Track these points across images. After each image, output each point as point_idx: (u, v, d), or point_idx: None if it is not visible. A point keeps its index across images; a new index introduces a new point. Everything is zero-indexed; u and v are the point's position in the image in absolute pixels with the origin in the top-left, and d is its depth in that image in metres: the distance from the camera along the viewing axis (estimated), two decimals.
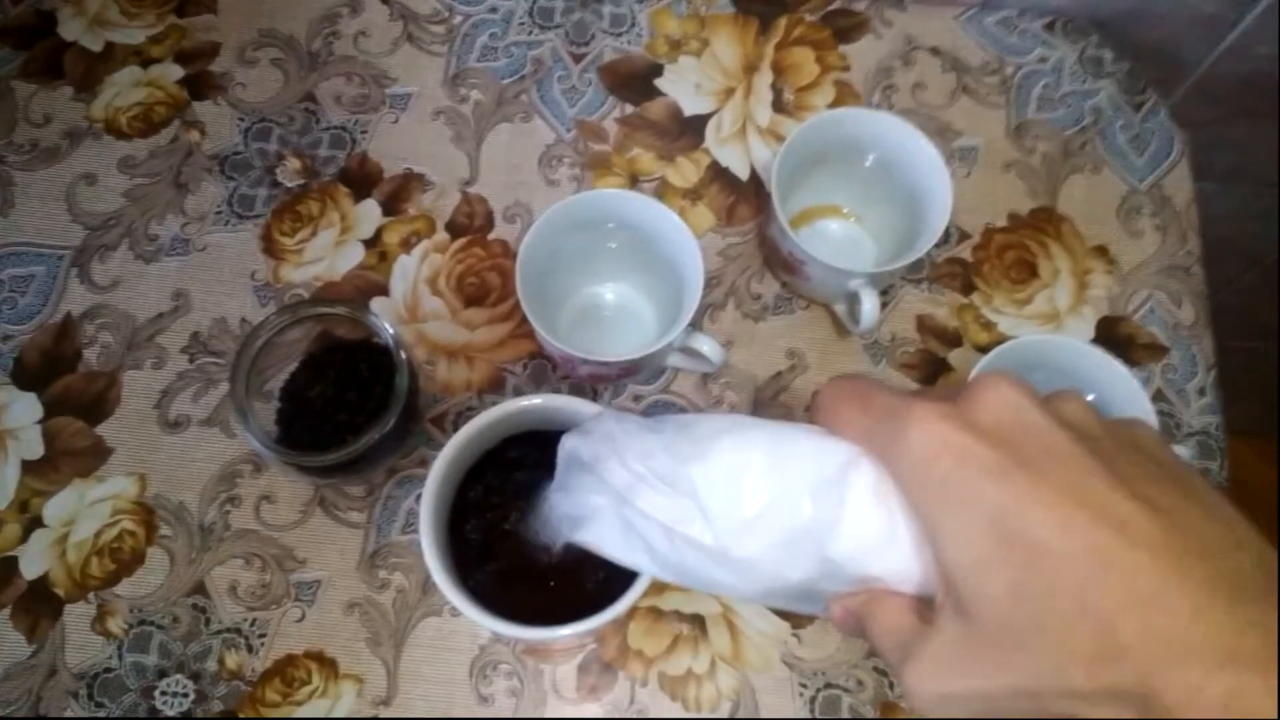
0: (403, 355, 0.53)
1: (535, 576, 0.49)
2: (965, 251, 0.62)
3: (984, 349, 0.59)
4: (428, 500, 0.46)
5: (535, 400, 0.48)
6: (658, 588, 0.55)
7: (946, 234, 0.63)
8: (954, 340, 0.60)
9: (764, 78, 0.66)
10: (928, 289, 0.61)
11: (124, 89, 0.66)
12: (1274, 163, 0.82)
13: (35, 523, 0.56)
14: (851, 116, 0.56)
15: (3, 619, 0.54)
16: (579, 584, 0.49)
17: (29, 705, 0.52)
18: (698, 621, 0.54)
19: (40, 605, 0.54)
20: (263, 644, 0.54)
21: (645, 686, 0.53)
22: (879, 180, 0.59)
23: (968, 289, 0.61)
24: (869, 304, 0.53)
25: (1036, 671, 0.27)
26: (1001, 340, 0.60)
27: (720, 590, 0.35)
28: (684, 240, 0.52)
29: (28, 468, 0.57)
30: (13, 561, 0.55)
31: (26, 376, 0.59)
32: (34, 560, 0.55)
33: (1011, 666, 0.28)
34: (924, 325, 0.61)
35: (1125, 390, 0.51)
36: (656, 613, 0.54)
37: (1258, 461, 1.32)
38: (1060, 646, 0.27)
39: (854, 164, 0.59)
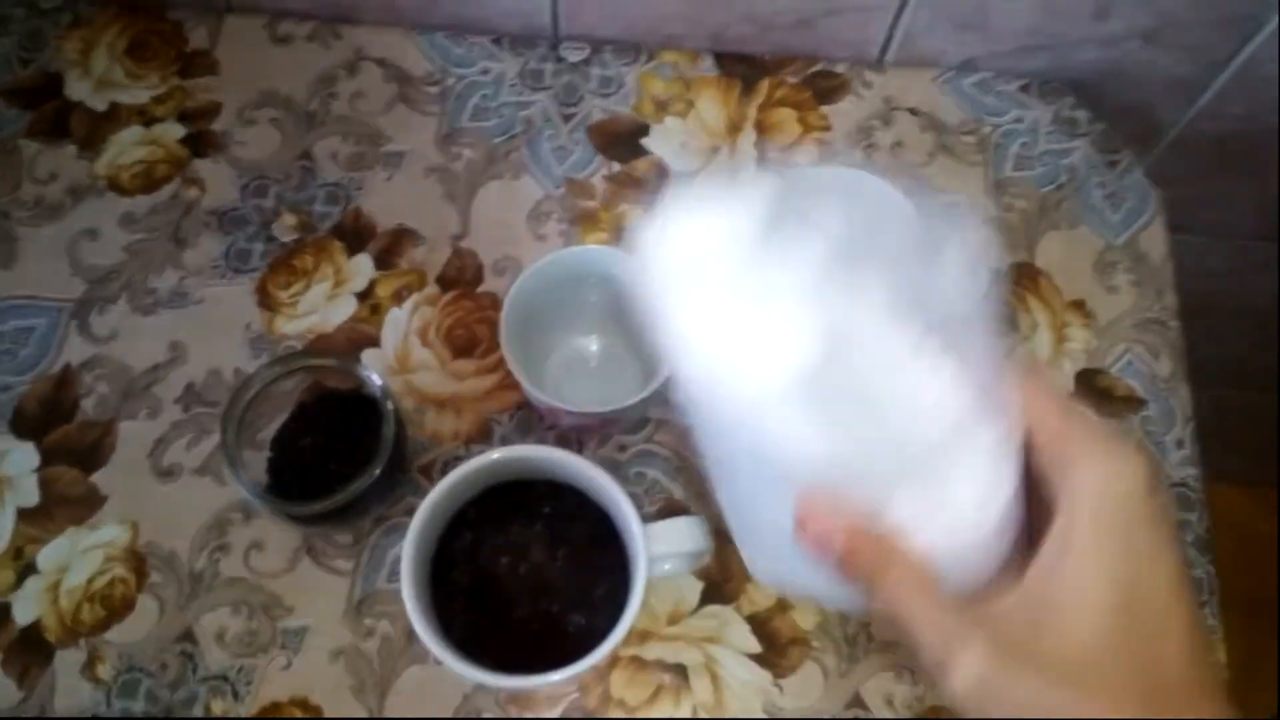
0: (390, 405, 0.54)
1: (517, 624, 0.50)
2: None
3: None
4: (409, 549, 0.47)
5: (518, 450, 0.49)
6: (640, 636, 0.55)
7: None
8: None
9: (748, 137, 0.68)
10: None
11: (127, 147, 0.68)
12: (1257, 216, 0.83)
13: (29, 569, 0.57)
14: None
15: None
16: (561, 631, 0.50)
17: None
18: (680, 671, 0.55)
19: (31, 651, 0.55)
20: (249, 691, 0.54)
21: None
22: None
23: None
24: None
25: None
26: None
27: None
28: None
29: (23, 515, 0.58)
30: (5, 608, 0.56)
31: (25, 425, 0.60)
32: (27, 606, 0.56)
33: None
34: None
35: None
36: (639, 662, 0.55)
37: (1254, 510, 1.32)
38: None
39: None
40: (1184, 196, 0.71)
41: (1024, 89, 0.71)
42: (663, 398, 0.55)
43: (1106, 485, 0.32)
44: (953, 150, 0.69)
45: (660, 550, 0.47)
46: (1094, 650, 0.30)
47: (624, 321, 0.59)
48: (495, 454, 0.49)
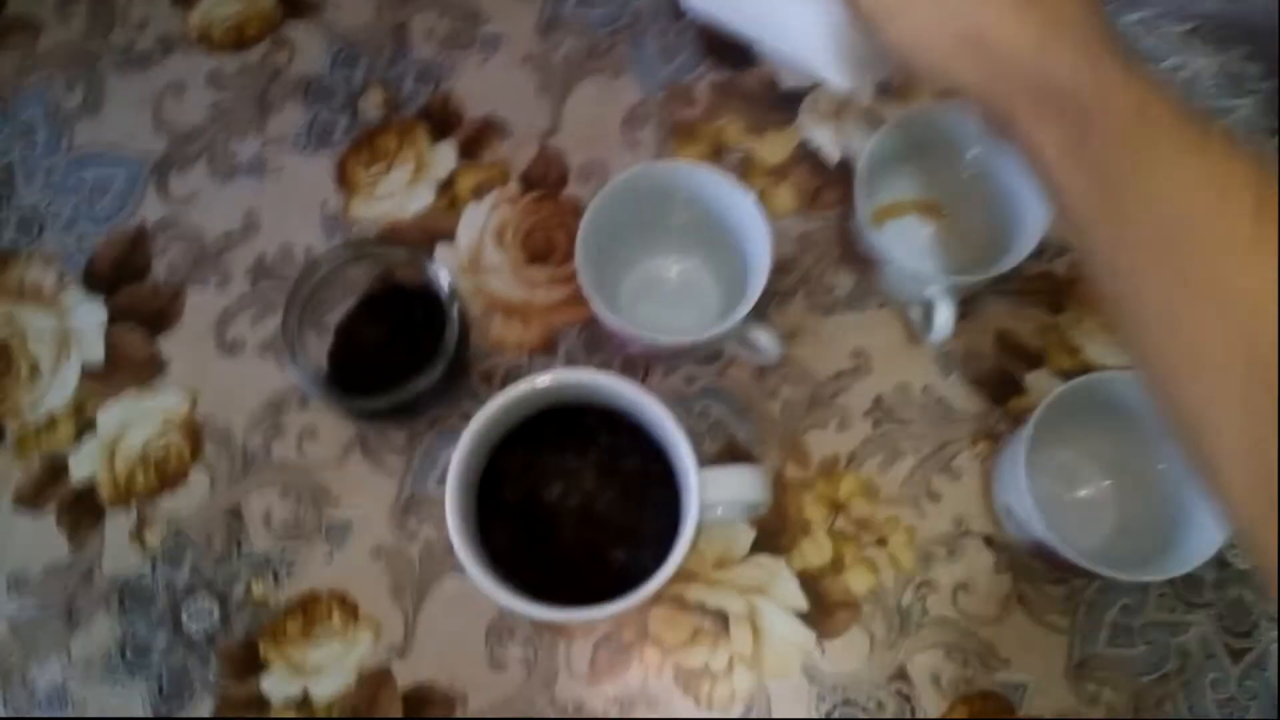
0: (456, 308, 0.52)
1: (560, 550, 0.48)
2: (1060, 266, 0.58)
3: (1065, 374, 0.56)
4: (458, 460, 0.46)
5: (578, 375, 0.47)
6: (685, 576, 0.53)
7: (1041, 245, 0.58)
8: (1034, 360, 0.57)
9: None
10: (1014, 302, 0.58)
11: (221, 1, 0.65)
12: None
13: (89, 427, 0.57)
14: (951, 113, 0.53)
15: (47, 519, 0.55)
16: (603, 563, 0.48)
17: (64, 605, 0.54)
18: (721, 618, 0.53)
19: (84, 508, 0.55)
20: (289, 576, 0.54)
21: (660, 676, 0.52)
22: (976, 180, 0.55)
23: (1056, 308, 0.57)
24: (944, 314, 0.50)
25: None
26: (1086, 368, 0.56)
27: None
28: (755, 224, 0.50)
29: (88, 371, 0.58)
30: (63, 462, 0.56)
31: (96, 280, 0.60)
32: (84, 463, 0.56)
33: None
34: (1003, 341, 0.57)
35: None
36: (680, 602, 0.53)
37: None
38: None
39: (953, 160, 0.55)
40: None
41: (1191, 32, 0.63)
42: (740, 335, 0.51)
43: None
44: None
45: (714, 497, 0.45)
46: None
47: (710, 246, 0.55)
48: (556, 376, 0.46)
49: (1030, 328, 0.57)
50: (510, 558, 0.47)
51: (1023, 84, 0.32)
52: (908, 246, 0.55)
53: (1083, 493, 0.53)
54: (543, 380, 0.46)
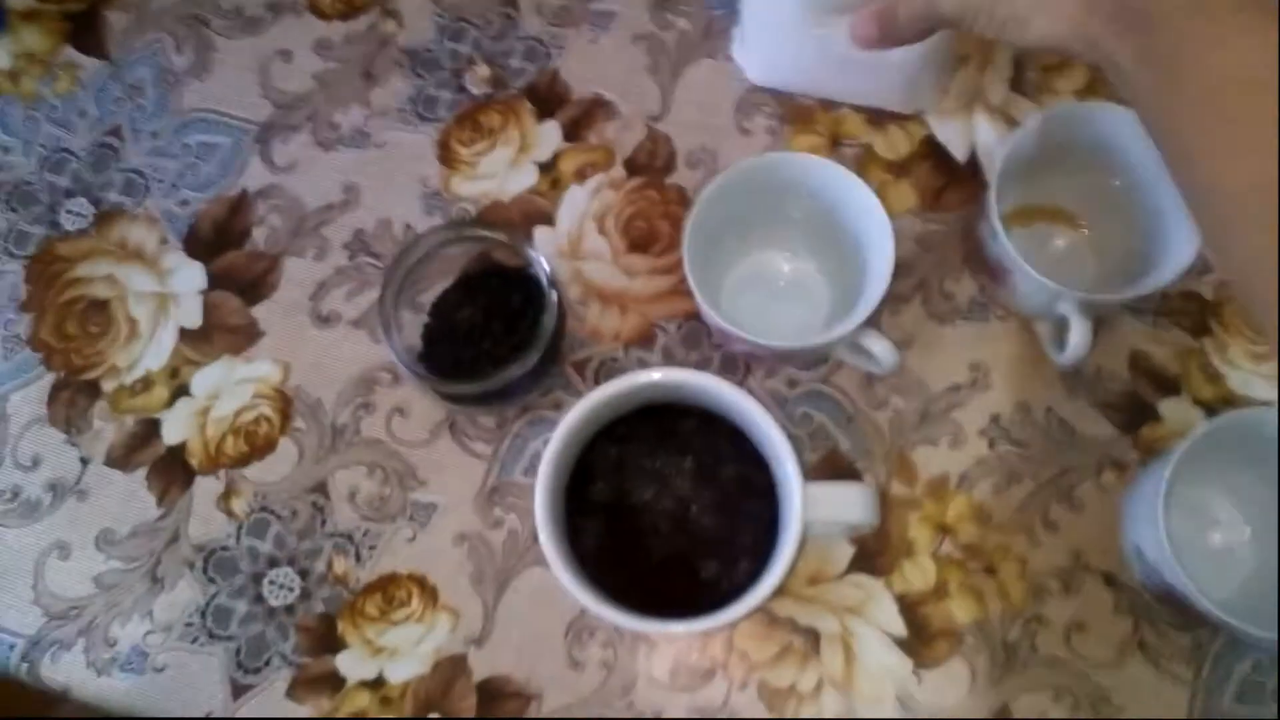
0: (554, 295, 0.50)
1: (649, 556, 0.46)
2: (1206, 286, 0.54)
3: (1206, 404, 0.51)
4: (550, 455, 0.44)
5: (678, 375, 0.44)
6: (776, 590, 0.51)
7: None
8: (1171, 387, 0.52)
9: (1006, 50, 0.58)
10: (1152, 322, 0.53)
11: None
12: None
13: (182, 390, 0.57)
14: (1104, 114, 0.48)
15: (138, 478, 0.55)
16: (693, 574, 0.46)
17: (149, 566, 0.54)
18: (812, 636, 0.50)
19: (174, 471, 0.55)
20: (371, 556, 0.53)
21: (744, 691, 0.50)
22: (1120, 192, 0.51)
23: (1199, 331, 0.53)
24: (1079, 333, 0.46)
25: None
26: (1229, 399, 0.51)
27: None
28: (878, 225, 0.47)
29: (184, 335, 0.58)
30: (156, 424, 0.56)
31: (197, 245, 0.59)
32: (176, 427, 0.56)
33: None
34: (1138, 363, 0.53)
35: None
36: (770, 617, 0.51)
37: None
38: None
39: (1096, 169, 0.51)
40: None
41: None
42: (852, 342, 0.48)
43: None
44: None
45: (818, 515, 0.42)
46: None
47: (824, 245, 0.52)
48: (656, 374, 0.44)
49: (1168, 351, 0.53)
50: (596, 558, 0.45)
51: (1104, 13, 0.36)
52: (1039, 256, 0.51)
53: (1219, 538, 0.49)
54: (650, 376, 0.44)
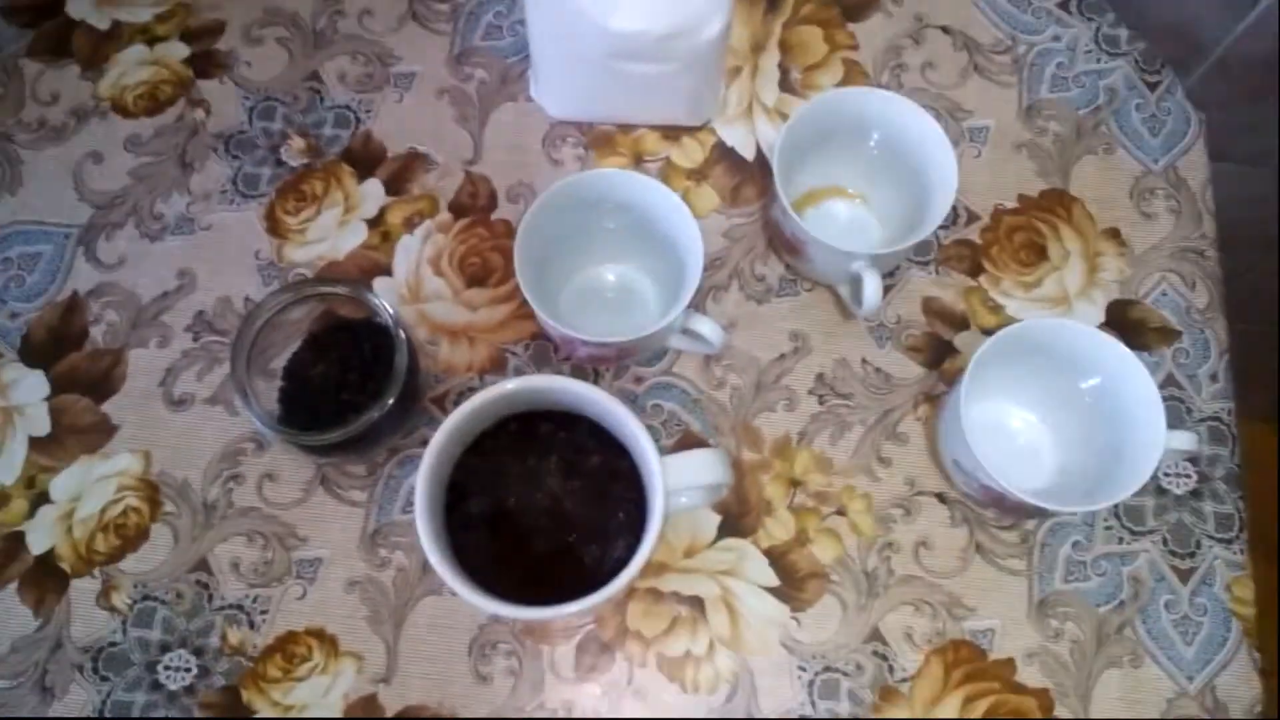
0: (402, 335, 0.53)
1: (533, 555, 0.49)
2: (973, 233, 0.62)
3: (990, 332, 0.59)
4: (423, 478, 0.46)
5: (533, 381, 0.48)
6: (657, 568, 0.55)
7: (954, 215, 0.62)
8: (960, 323, 0.60)
9: (771, 57, 0.65)
10: (934, 271, 0.61)
11: (130, 67, 0.66)
12: None
13: (42, 498, 0.56)
14: (855, 96, 0.56)
15: (9, 594, 0.54)
16: (576, 561, 0.49)
17: (35, 678, 0.53)
18: (696, 603, 0.54)
19: (47, 580, 0.55)
20: (264, 620, 0.54)
21: (644, 667, 0.53)
22: (884, 160, 0.58)
23: (975, 271, 0.61)
24: (871, 286, 0.52)
25: None
26: (1008, 323, 0.59)
27: None
28: (684, 221, 0.52)
29: (35, 444, 0.57)
30: (20, 537, 0.55)
31: (34, 353, 0.59)
32: (41, 535, 0.56)
33: None
34: (930, 308, 0.60)
35: (1132, 375, 0.50)
36: (655, 594, 0.54)
37: (1273, 446, 1.30)
38: None
39: (859, 144, 0.58)
40: (1225, 122, 0.68)
41: (1063, 5, 0.67)
42: (683, 327, 0.53)
43: None
44: (985, 71, 0.66)
45: (678, 483, 0.46)
46: None
47: (643, 250, 0.57)
48: (511, 384, 0.48)
49: (953, 293, 0.60)
50: (486, 570, 0.48)
51: None
52: (829, 229, 0.58)
53: (1021, 440, 0.56)
54: (506, 386, 0.47)
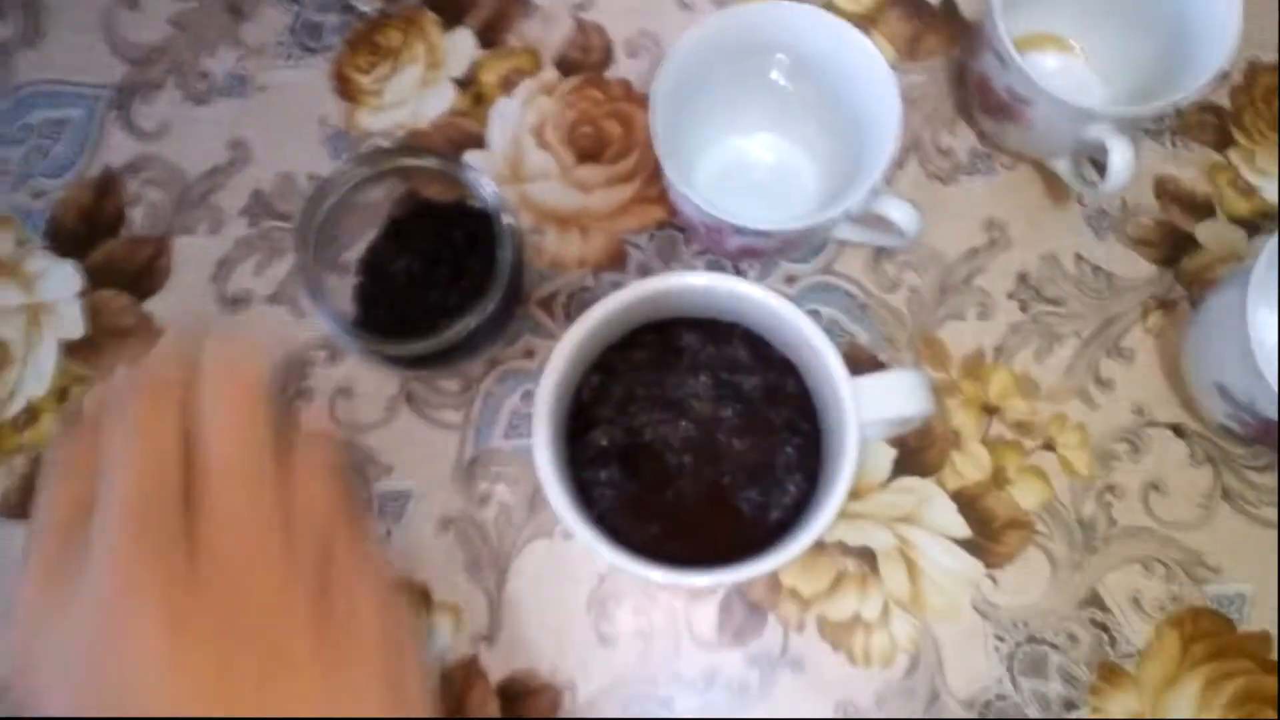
0: (506, 222, 0.42)
1: (676, 499, 0.39)
2: (1221, 96, 0.48)
3: (1243, 222, 0.46)
4: (543, 401, 0.36)
5: (682, 280, 0.37)
6: None
7: None
8: (1203, 210, 0.47)
9: None
10: (1171, 142, 0.48)
11: None
12: None
13: (78, 414, 0.47)
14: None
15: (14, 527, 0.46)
16: (731, 510, 0.39)
17: None
18: (867, 556, 0.44)
19: None
20: None
21: (801, 632, 0.44)
22: (1110, 6, 0.45)
23: (1223, 144, 0.48)
24: (1121, 155, 0.40)
25: None
26: (1266, 211, 0.46)
27: None
28: (878, 76, 0.40)
29: (68, 349, 0.48)
30: None
31: (64, 241, 0.50)
32: None
33: None
34: (1164, 189, 0.47)
35: None
36: (816, 545, 0.44)
37: None
38: None
39: None
40: None
41: None
42: (866, 212, 0.42)
43: None
44: None
45: (874, 414, 0.35)
46: None
47: (807, 116, 0.45)
48: (652, 283, 0.37)
49: (1194, 172, 0.47)
50: (616, 513, 0.38)
51: None
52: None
53: None
54: (649, 285, 0.36)
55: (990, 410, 0.45)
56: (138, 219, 0.50)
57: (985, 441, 0.45)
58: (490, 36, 0.51)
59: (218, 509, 0.25)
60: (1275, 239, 0.38)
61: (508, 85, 0.50)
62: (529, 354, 0.47)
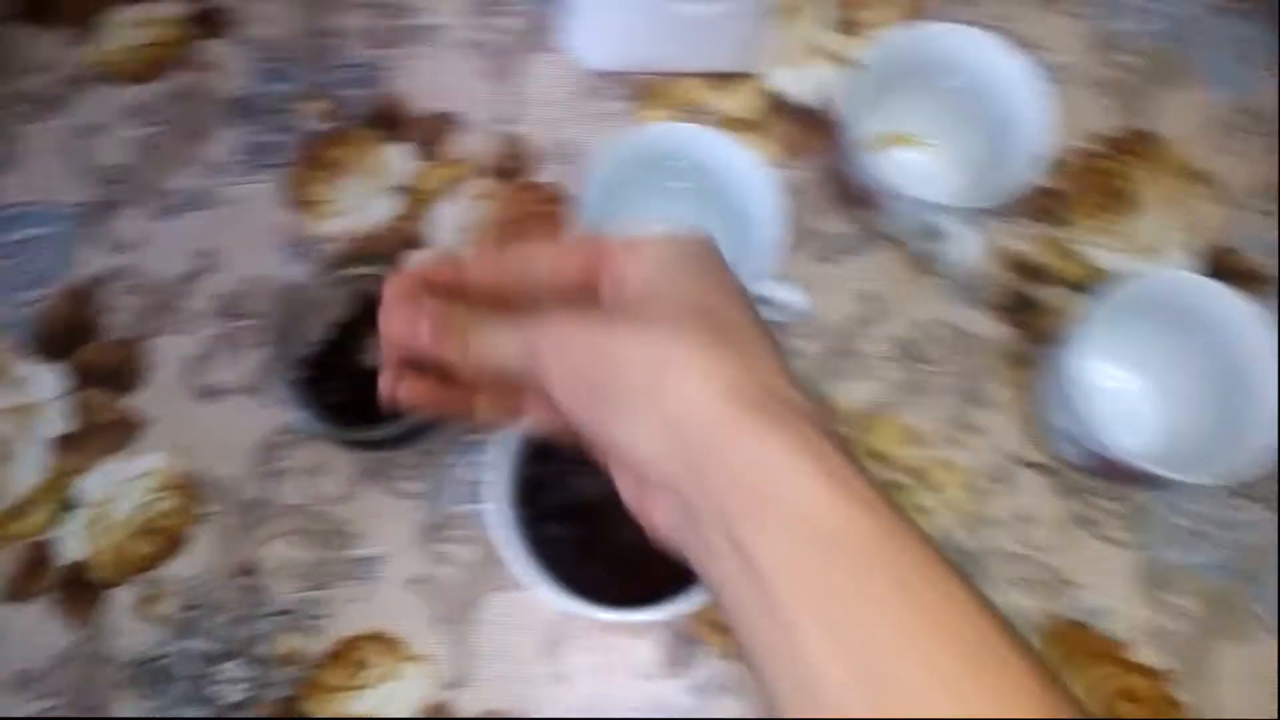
0: None
1: (617, 544, 0.45)
2: (1053, 179, 0.57)
3: (1075, 285, 0.55)
4: (496, 469, 0.43)
5: None
6: None
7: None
8: (1044, 276, 0.56)
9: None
10: (1012, 221, 0.57)
11: (125, 29, 0.60)
12: None
13: (68, 504, 0.52)
14: (936, 33, 0.51)
15: (41, 608, 0.50)
16: (663, 555, 0.45)
17: (74, 698, 0.49)
18: None
19: (80, 591, 0.51)
20: (321, 625, 0.50)
21: (737, 660, 0.50)
22: (961, 104, 0.54)
23: (1058, 221, 0.57)
24: (969, 243, 0.48)
25: None
26: (1093, 275, 0.55)
27: None
28: (759, 179, 0.48)
29: (55, 445, 0.53)
30: (45, 546, 0.51)
31: (49, 345, 0.54)
32: (70, 544, 0.51)
33: None
34: (1010, 260, 0.56)
35: (1251, 332, 0.47)
36: None
37: None
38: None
39: (932, 87, 0.54)
40: None
41: None
42: (759, 297, 0.49)
43: (663, 247, 0.30)
44: (1056, 3, 0.61)
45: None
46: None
47: (706, 213, 0.53)
48: None
49: (1034, 245, 0.56)
50: (567, 562, 0.44)
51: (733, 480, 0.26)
52: (900, 180, 0.54)
53: (1122, 401, 0.52)
54: None
55: (878, 458, 0.53)
56: (115, 323, 0.55)
57: None
58: (428, 149, 0.58)
59: None
60: (1099, 301, 0.47)
61: (447, 191, 0.57)
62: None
